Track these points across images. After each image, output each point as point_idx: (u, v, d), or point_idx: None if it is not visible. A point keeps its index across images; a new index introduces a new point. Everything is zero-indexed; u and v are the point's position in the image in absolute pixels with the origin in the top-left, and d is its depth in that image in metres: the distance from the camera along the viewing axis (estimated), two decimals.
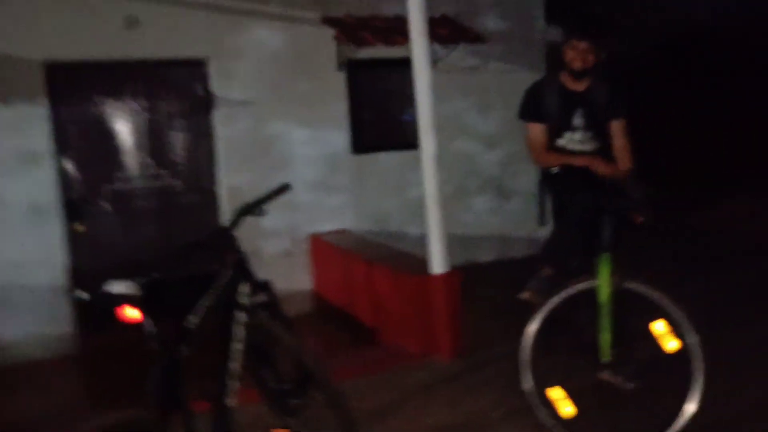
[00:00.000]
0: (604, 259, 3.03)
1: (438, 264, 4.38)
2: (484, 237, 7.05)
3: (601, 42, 3.48)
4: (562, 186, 3.55)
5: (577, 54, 3.50)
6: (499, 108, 6.96)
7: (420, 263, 4.59)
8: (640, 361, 2.92)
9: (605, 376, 3.10)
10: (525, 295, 3.53)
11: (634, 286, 2.95)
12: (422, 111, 4.37)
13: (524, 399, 3.50)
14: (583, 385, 3.07)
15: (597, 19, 3.64)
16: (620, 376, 3.12)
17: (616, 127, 3.65)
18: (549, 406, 3.15)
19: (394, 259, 5.04)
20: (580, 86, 3.62)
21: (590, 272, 3.04)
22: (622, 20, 9.60)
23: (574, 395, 3.12)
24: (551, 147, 3.68)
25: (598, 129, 3.66)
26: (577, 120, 3.64)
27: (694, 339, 2.76)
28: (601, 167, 3.46)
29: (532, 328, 3.12)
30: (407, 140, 6.55)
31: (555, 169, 3.54)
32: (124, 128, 5.75)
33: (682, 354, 2.78)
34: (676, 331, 2.80)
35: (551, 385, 3.15)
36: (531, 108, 3.68)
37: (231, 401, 2.54)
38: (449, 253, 4.40)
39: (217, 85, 5.97)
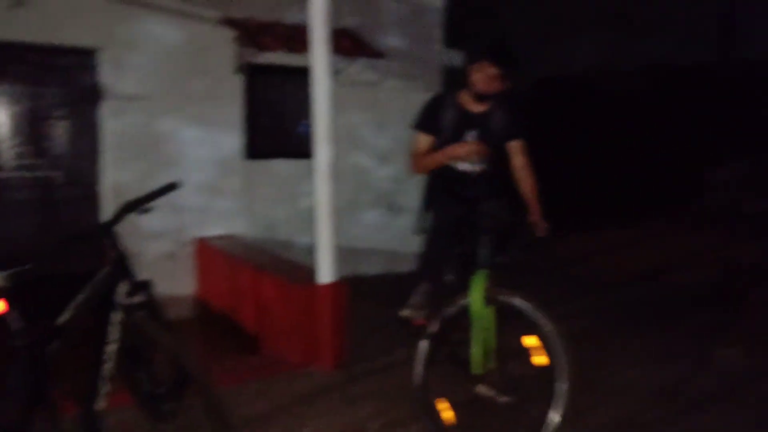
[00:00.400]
0: (478, 275, 3.10)
1: (325, 274, 4.37)
2: (372, 251, 7.10)
3: (510, 71, 3.50)
4: (434, 199, 3.57)
5: (484, 78, 3.50)
6: (394, 124, 7.06)
7: (307, 273, 4.56)
8: (514, 374, 2.99)
9: (481, 389, 3.18)
10: (405, 313, 3.56)
11: (504, 299, 3.02)
12: (319, 121, 4.36)
13: (403, 411, 3.60)
14: (463, 398, 3.14)
15: (510, 48, 3.57)
16: (495, 390, 3.20)
17: (515, 147, 3.67)
18: (435, 416, 3.20)
19: (282, 267, 4.99)
20: (478, 108, 3.64)
21: (467, 288, 3.12)
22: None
23: (456, 407, 3.19)
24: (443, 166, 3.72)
25: (490, 157, 3.70)
26: (469, 140, 3.65)
27: (560, 352, 2.82)
28: (466, 148, 3.46)
29: (424, 343, 3.18)
30: (302, 149, 6.53)
31: (429, 177, 3.53)
32: (1, 113, 5.44)
33: (551, 368, 2.87)
34: (545, 345, 2.88)
35: (437, 396, 3.20)
36: (426, 119, 3.67)
37: (101, 404, 2.44)
38: (337, 264, 4.39)
39: (107, 76, 5.76)
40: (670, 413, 3.69)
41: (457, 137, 3.63)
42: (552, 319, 2.87)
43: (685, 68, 12.71)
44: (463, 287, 3.15)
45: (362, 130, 7.10)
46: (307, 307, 4.38)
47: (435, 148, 3.61)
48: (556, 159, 11.10)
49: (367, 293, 5.87)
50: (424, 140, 3.65)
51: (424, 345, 3.17)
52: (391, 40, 7.16)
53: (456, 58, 7.11)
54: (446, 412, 3.20)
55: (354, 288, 4.55)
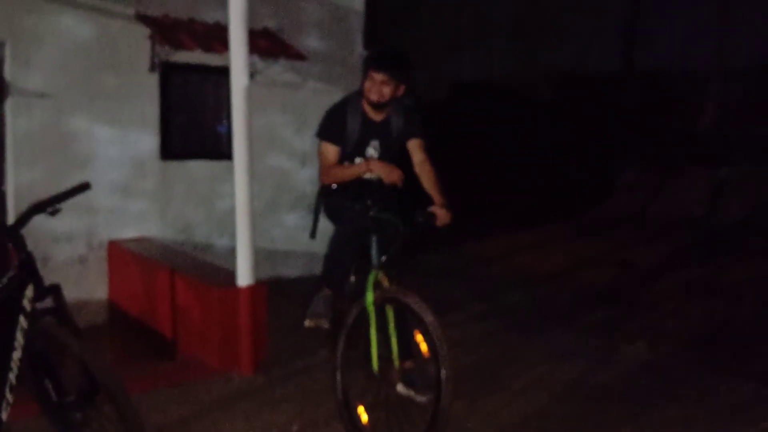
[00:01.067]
0: (371, 275, 3.15)
1: (244, 276, 4.30)
2: (292, 253, 7.04)
3: (398, 76, 3.47)
4: (334, 202, 3.58)
5: (374, 85, 3.48)
6: (314, 126, 6.47)
7: (225, 275, 4.49)
8: (429, 373, 3.01)
9: (400, 389, 3.20)
10: (308, 323, 3.54)
11: (395, 297, 3.05)
12: (237, 121, 4.29)
13: (323, 412, 3.60)
14: (381, 398, 3.16)
15: (397, 53, 3.57)
16: (412, 389, 3.22)
17: (414, 145, 3.65)
18: (355, 419, 3.22)
19: (199, 269, 4.89)
20: (377, 117, 3.62)
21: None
22: (421, 65, 10.53)
23: (375, 408, 3.21)
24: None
25: (390, 159, 3.66)
26: (371, 150, 3.64)
27: (440, 341, 2.86)
28: (378, 166, 3.47)
29: (340, 345, 3.20)
30: (220, 150, 6.48)
31: (334, 186, 3.54)
32: None
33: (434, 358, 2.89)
34: (426, 336, 2.92)
35: (355, 397, 3.22)
36: (330, 129, 3.63)
37: (4, 414, 2.34)
38: (256, 267, 4.34)
39: (12, 71, 5.47)
40: (582, 407, 3.80)
41: (360, 147, 3.63)
42: (433, 311, 2.91)
43: (589, 76, 13.19)
44: (357, 290, 3.19)
45: (283, 131, 7.04)
46: (226, 310, 4.31)
47: (342, 156, 3.61)
48: (466, 162, 11.44)
49: (286, 295, 5.82)
50: (333, 151, 3.61)
51: (336, 350, 3.20)
52: (313, 43, 7.13)
53: None
54: (364, 415, 3.22)
55: (274, 290, 4.51)
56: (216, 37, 5.90)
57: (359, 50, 7.36)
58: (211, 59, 6.02)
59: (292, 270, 7.06)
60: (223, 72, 4.29)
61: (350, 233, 3.45)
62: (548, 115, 12.99)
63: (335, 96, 5.68)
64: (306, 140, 7.12)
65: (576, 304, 6.22)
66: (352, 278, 3.54)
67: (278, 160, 7.03)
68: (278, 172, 7.02)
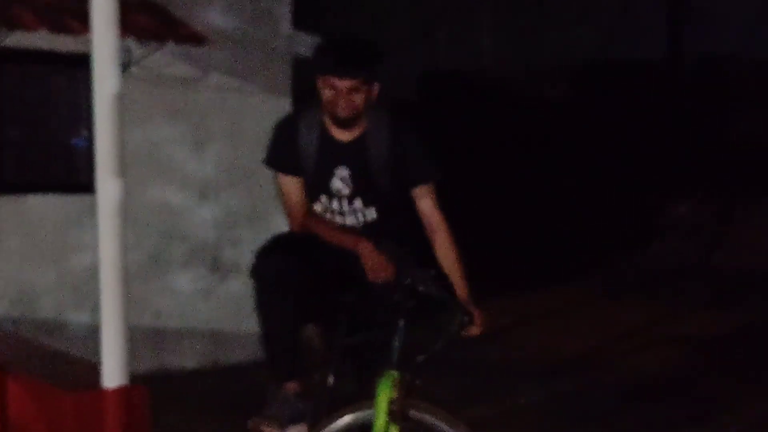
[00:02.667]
0: (386, 379, 3.15)
1: (113, 373, 4.00)
2: (189, 332, 7.01)
3: (372, 75, 3.59)
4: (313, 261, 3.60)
5: (338, 96, 3.59)
6: (220, 142, 7.07)
7: (84, 371, 4.26)
8: None
9: None
10: (251, 425, 3.50)
11: (418, 416, 3.08)
12: (103, 136, 4.05)
13: None
14: None
15: (362, 44, 3.69)
16: None
17: (422, 195, 3.78)
18: None
19: (43, 363, 4.69)
20: (345, 135, 3.73)
21: (365, 394, 3.16)
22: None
23: None
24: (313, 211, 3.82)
25: (372, 198, 3.79)
26: (337, 183, 3.75)
27: None
28: (367, 253, 3.54)
29: None
30: (76, 178, 6.41)
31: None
32: None
33: None
34: None
35: None
36: (282, 153, 3.76)
37: None
38: (132, 357, 4.04)
39: None
40: None
41: (321, 178, 3.73)
42: None
43: (618, 67, 13.44)
44: (359, 393, 3.21)
45: (172, 149, 7.03)
46: (86, 424, 4.00)
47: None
48: (444, 188, 11.34)
49: (179, 398, 5.71)
50: (295, 185, 3.75)
51: None
52: (217, 19, 7.17)
53: (312, 44, 7.13)
54: None
55: (160, 391, 4.24)
56: (70, 11, 5.82)
57: (286, 29, 7.41)
58: (64, 43, 5.98)
59: (188, 359, 6.98)
60: (82, 62, 4.22)
61: (276, 267, 3.43)
62: (561, 121, 13.18)
63: (252, 98, 5.65)
64: (208, 163, 7.10)
65: (618, 403, 6.19)
66: (331, 375, 3.51)
67: (165, 194, 6.99)
68: (166, 212, 6.98)
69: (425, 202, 3.74)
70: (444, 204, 3.72)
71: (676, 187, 11.45)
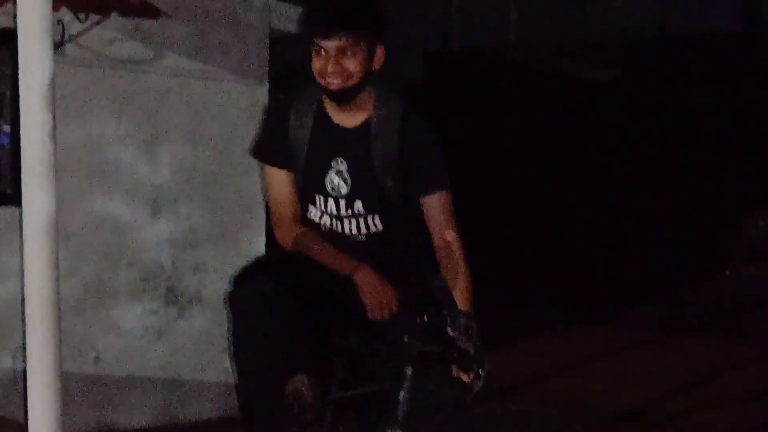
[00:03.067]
0: None
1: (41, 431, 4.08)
2: (139, 381, 6.95)
3: (370, 32, 3.68)
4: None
5: (326, 61, 3.66)
6: (178, 140, 7.06)
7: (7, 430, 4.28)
8: None
9: None
10: None
11: None
12: (29, 133, 4.03)
13: None
14: None
15: None
16: None
17: (433, 206, 3.85)
18: None
19: None
20: (348, 119, 3.83)
21: None
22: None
23: None
24: (306, 220, 3.90)
25: (376, 202, 3.86)
26: (334, 178, 3.84)
27: None
28: (366, 284, 3.60)
29: None
30: None
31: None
32: None
33: None
34: None
35: None
36: (269, 140, 3.91)
37: None
38: (66, 413, 3.86)
39: None
40: None
41: (316, 169, 3.82)
42: None
43: (684, 42, 13.45)
44: None
45: (117, 150, 6.99)
46: None
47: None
48: (463, 200, 11.18)
49: None
50: (284, 181, 3.86)
51: None
52: None
53: (294, 17, 7.18)
54: None
55: None
56: None
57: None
58: None
59: (137, 415, 6.92)
60: (2, 39, 4.15)
61: (261, 294, 3.51)
62: (608, 111, 13.15)
63: (217, 84, 5.96)
64: (162, 167, 7.10)
65: None
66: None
67: (109, 206, 6.96)
68: (109, 229, 6.95)
69: (436, 216, 3.81)
70: (462, 217, 3.78)
71: (756, 195, 11.41)
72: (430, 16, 13.59)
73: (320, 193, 3.82)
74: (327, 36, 3.60)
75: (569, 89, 13.59)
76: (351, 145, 3.80)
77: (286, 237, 3.84)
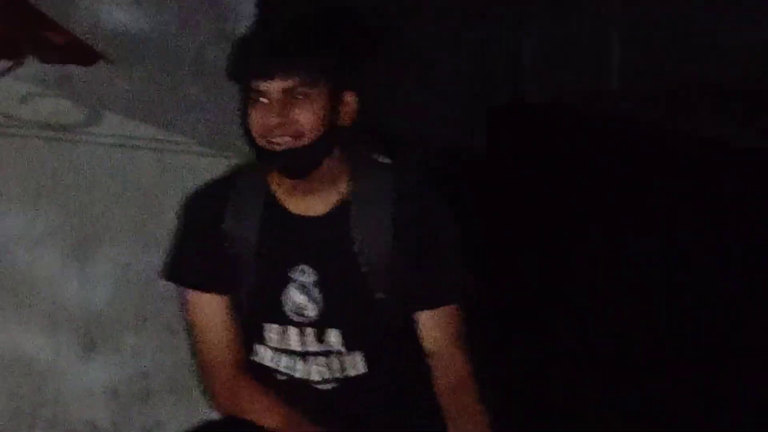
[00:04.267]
0: None
1: None
2: None
3: (336, 75, 3.44)
4: None
5: (269, 113, 3.43)
6: (122, 240, 6.15)
7: None
8: None
9: None
10: None
11: None
12: None
13: None
14: None
15: (311, 17, 3.53)
16: None
17: (435, 330, 3.63)
18: None
19: None
20: (314, 205, 3.58)
21: None
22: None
23: None
24: (254, 367, 3.70)
25: (361, 331, 3.58)
26: (295, 296, 3.55)
27: None
28: None
29: None
30: None
31: None
32: None
33: None
34: None
35: None
36: (194, 251, 3.67)
37: None
38: None
39: None
40: None
41: (267, 284, 3.61)
42: None
43: None
44: None
45: (33, 256, 6.10)
46: None
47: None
48: (536, 321, 10.64)
49: None
50: (216, 309, 3.64)
51: None
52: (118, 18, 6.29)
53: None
54: None
55: None
56: None
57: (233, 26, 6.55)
58: None
59: None
60: None
61: None
62: (739, 176, 12.19)
63: (179, 157, 6.20)
64: (98, 281, 6.18)
65: None
66: None
67: (21, 340, 6.09)
68: (22, 371, 6.09)
69: (435, 339, 3.65)
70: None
71: None
72: (492, 63, 12.92)
73: (274, 320, 3.60)
74: (265, 73, 3.40)
75: (687, 148, 12.64)
76: (319, 243, 3.60)
77: (224, 395, 3.66)
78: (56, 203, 6.06)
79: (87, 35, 5.92)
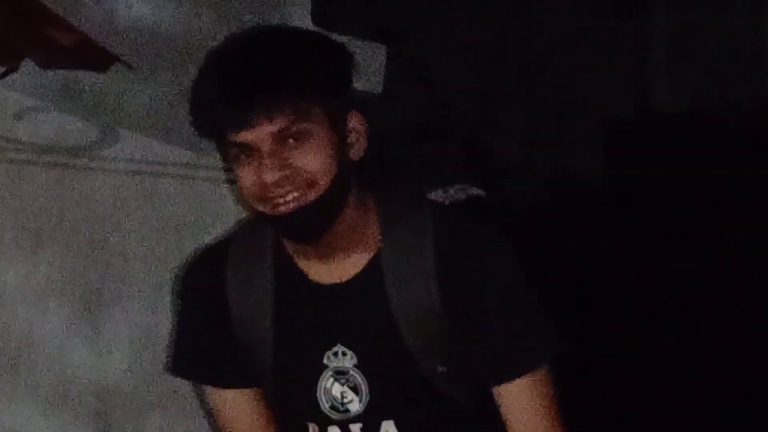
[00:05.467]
0: None
1: None
2: None
3: (332, 96, 3.05)
4: None
5: (262, 167, 3.01)
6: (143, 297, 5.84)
7: None
8: None
9: None
10: None
11: None
12: None
13: None
14: None
15: (277, 41, 3.10)
16: None
17: (519, 405, 3.24)
18: None
19: None
20: (339, 267, 3.21)
21: None
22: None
23: None
24: None
25: (417, 416, 3.28)
26: (334, 387, 3.23)
27: None
28: None
29: None
30: None
31: None
32: None
33: None
34: None
35: None
36: (199, 341, 3.35)
37: None
38: None
39: None
40: None
41: (295, 373, 3.27)
42: None
43: None
44: None
45: (35, 333, 5.88)
46: None
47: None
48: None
49: None
50: (239, 403, 3.37)
51: None
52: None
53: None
54: None
55: None
56: None
57: None
58: None
59: None
60: None
61: None
62: None
63: (216, 186, 6.12)
64: (116, 367, 5.97)
65: None
66: None
67: None
68: None
69: (521, 417, 3.26)
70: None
71: None
72: (609, 64, 11.86)
73: (309, 417, 3.28)
74: (244, 122, 2.92)
75: None
76: (354, 315, 3.20)
77: None
78: (61, 247, 5.67)
79: (100, 34, 5.50)
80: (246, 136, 2.88)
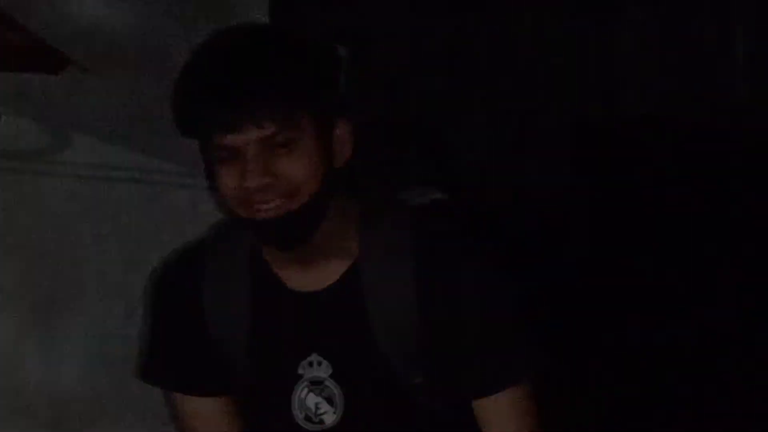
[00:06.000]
0: None
1: None
2: None
3: (321, 103, 3.07)
4: None
5: (246, 171, 3.00)
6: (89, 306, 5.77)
7: None
8: None
9: None
10: None
11: None
12: None
13: None
14: None
15: (265, 44, 3.07)
16: None
17: (499, 420, 3.26)
18: None
19: None
20: (317, 275, 3.21)
21: None
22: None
23: None
24: None
25: (390, 423, 3.27)
26: (308, 397, 3.23)
27: None
28: None
29: None
30: None
31: None
32: None
33: None
34: None
35: None
36: (171, 348, 3.39)
37: None
38: None
39: None
40: None
41: (270, 381, 3.28)
42: None
43: None
44: None
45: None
46: None
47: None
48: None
49: None
50: (208, 411, 3.38)
51: None
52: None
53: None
54: None
55: None
56: None
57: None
58: None
59: None
60: None
61: None
62: None
63: (170, 191, 6.01)
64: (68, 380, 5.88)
65: None
66: None
67: None
68: None
69: (499, 430, 3.27)
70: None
71: None
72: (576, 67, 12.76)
73: (283, 428, 3.27)
74: (234, 127, 2.92)
75: None
76: (331, 323, 3.23)
77: None
78: (11, 254, 5.59)
79: (52, 34, 5.45)
80: (233, 140, 2.89)
